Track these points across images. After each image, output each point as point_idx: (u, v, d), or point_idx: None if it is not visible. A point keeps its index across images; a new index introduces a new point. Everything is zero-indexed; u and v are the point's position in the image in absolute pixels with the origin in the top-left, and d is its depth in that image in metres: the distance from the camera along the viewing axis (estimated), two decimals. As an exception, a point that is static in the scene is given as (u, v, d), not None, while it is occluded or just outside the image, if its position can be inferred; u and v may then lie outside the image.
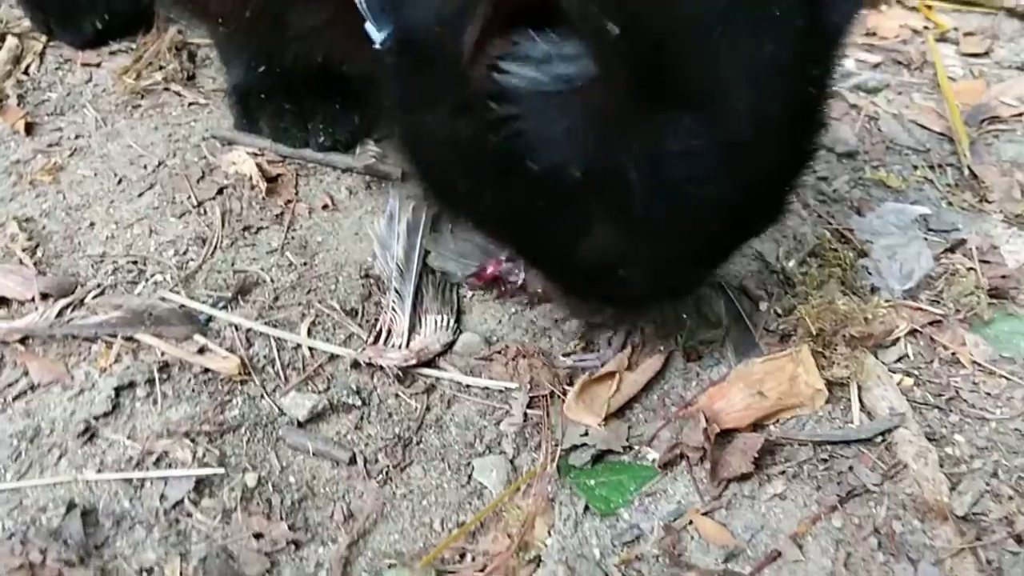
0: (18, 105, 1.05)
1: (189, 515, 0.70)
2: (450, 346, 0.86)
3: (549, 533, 0.74)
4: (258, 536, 0.70)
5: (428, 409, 0.82)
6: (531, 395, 0.82)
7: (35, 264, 0.87)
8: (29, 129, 1.02)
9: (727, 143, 0.59)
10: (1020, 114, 1.17)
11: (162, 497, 0.71)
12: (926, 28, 1.35)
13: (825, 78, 0.67)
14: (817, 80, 0.65)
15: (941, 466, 0.78)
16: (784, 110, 0.62)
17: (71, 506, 0.69)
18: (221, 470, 0.73)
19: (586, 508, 0.75)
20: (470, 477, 0.78)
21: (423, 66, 0.64)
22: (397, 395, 0.82)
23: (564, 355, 0.85)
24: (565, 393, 0.81)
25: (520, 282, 0.87)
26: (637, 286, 0.72)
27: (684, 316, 0.88)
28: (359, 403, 0.81)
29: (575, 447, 0.78)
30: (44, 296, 0.83)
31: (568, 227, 0.67)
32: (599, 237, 0.67)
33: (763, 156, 0.63)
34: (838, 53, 0.68)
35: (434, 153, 0.70)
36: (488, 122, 0.61)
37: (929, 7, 1.39)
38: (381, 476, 0.77)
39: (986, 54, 1.30)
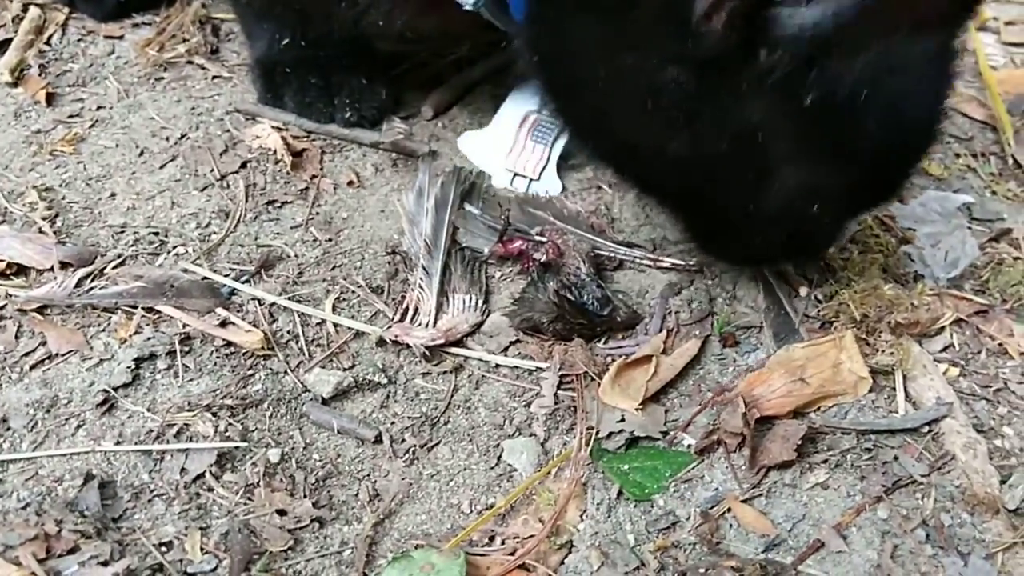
0: (40, 75, 1.03)
1: (210, 489, 0.68)
2: (478, 326, 0.83)
3: (581, 518, 0.71)
4: (281, 512, 0.67)
5: (456, 389, 0.79)
6: (563, 375, 0.79)
7: (55, 234, 0.84)
8: (50, 100, 1.00)
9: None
10: (1064, 104, 1.13)
11: (183, 470, 0.68)
12: (965, 18, 1.32)
13: None
14: None
15: (990, 458, 0.74)
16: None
17: (88, 477, 0.67)
18: (244, 444, 0.70)
19: (619, 493, 0.72)
20: (499, 459, 0.75)
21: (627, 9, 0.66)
22: (424, 374, 0.80)
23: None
24: (600, 375, 0.78)
25: (544, 259, 0.84)
26: (822, 231, 0.79)
27: (719, 300, 0.86)
28: (385, 381, 0.78)
29: (611, 433, 0.75)
30: (64, 265, 0.81)
31: (761, 170, 0.70)
32: (793, 177, 0.70)
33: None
34: None
35: (619, 98, 0.72)
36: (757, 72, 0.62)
37: (968, -3, 1.36)
38: (408, 456, 0.74)
39: (1027, 44, 1.26)
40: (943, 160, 1.06)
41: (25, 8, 1.11)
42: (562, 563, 0.68)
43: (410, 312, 0.83)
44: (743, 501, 0.72)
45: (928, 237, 0.93)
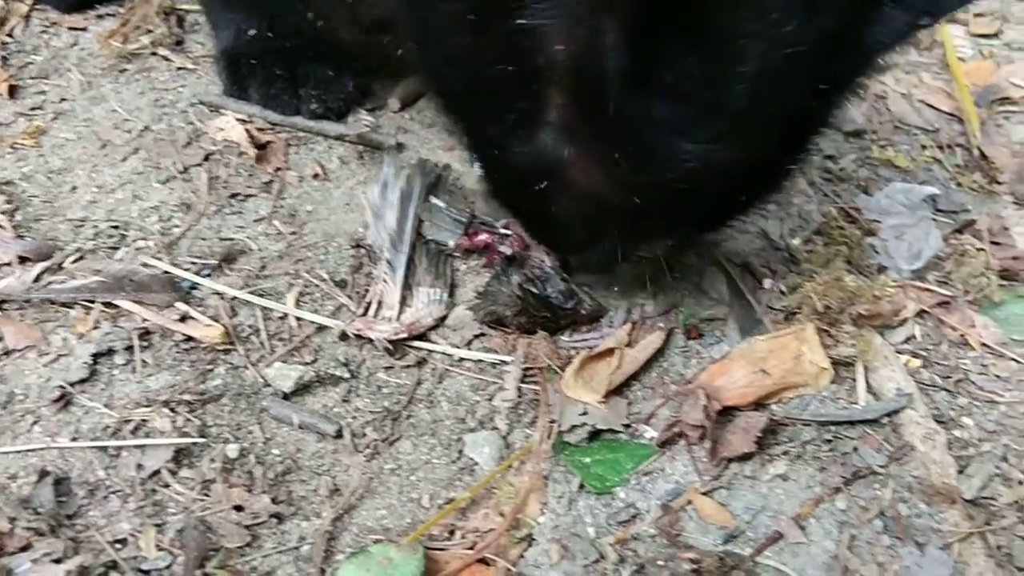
0: (1, 67, 1.01)
1: (166, 485, 0.67)
2: (442, 320, 0.83)
3: (542, 511, 0.71)
4: (238, 508, 0.67)
5: (419, 383, 0.79)
6: (526, 368, 0.79)
7: (13, 228, 0.83)
8: (12, 92, 0.99)
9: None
10: (1031, 96, 1.14)
11: (139, 467, 0.68)
12: (935, 9, 1.32)
13: (840, 86, 0.65)
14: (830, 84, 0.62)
15: (949, 449, 0.75)
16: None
17: (43, 474, 0.66)
18: (202, 440, 0.70)
19: (581, 486, 0.72)
20: (461, 453, 0.75)
21: None
22: (387, 368, 0.79)
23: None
24: (562, 369, 0.78)
25: (509, 252, 0.84)
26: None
27: (684, 293, 0.86)
28: (347, 376, 0.78)
29: (573, 427, 0.75)
30: (22, 260, 0.80)
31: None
32: None
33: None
34: (868, 67, 0.66)
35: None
36: None
37: (938, -12, 1.36)
38: (369, 451, 0.74)
39: (996, 35, 1.27)
40: (909, 151, 1.06)
41: (-12, -2, 1.09)
42: (522, 556, 0.68)
43: (373, 306, 0.82)
44: (704, 493, 0.72)
45: (892, 229, 0.94)
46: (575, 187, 0.65)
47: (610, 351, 0.79)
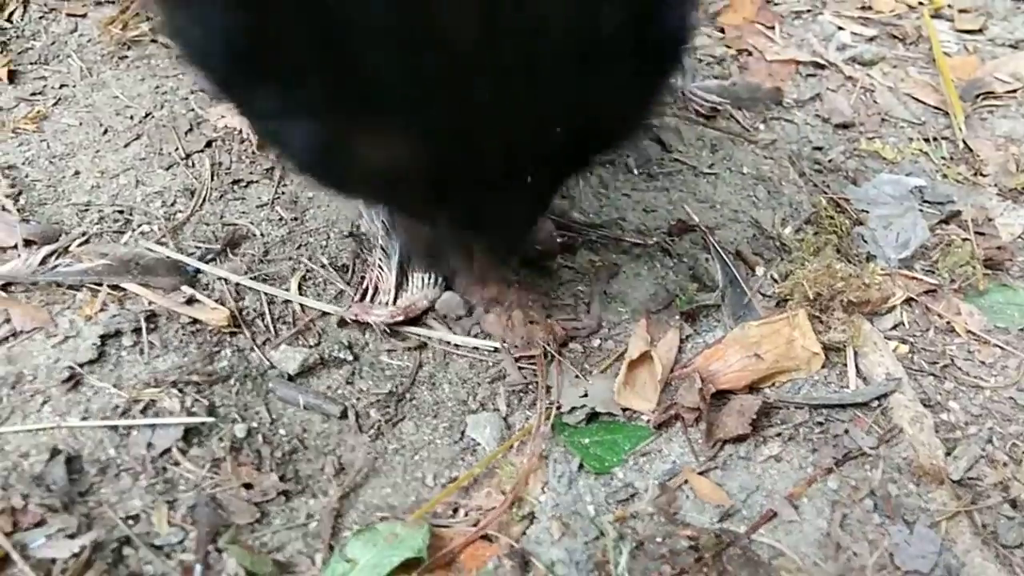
0: (1, 53, 1.02)
1: (177, 464, 0.69)
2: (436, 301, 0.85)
3: (543, 490, 0.73)
4: (248, 486, 0.68)
5: (420, 366, 0.80)
6: (525, 353, 0.80)
7: (18, 211, 0.84)
8: (12, 77, 0.99)
9: None
10: (1014, 90, 1.17)
11: (149, 445, 0.69)
12: (920, 4, 1.35)
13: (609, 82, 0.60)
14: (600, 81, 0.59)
15: (936, 432, 0.77)
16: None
17: (55, 452, 0.67)
18: (210, 420, 0.71)
19: (580, 466, 0.74)
20: (463, 434, 0.76)
21: None
22: (389, 351, 0.81)
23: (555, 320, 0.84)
24: (559, 353, 0.80)
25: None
26: None
27: (680, 279, 0.88)
28: (350, 358, 0.79)
29: (572, 408, 0.77)
30: (28, 243, 0.81)
31: None
32: None
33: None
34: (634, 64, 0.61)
35: None
36: None
37: (924, -16, 1.39)
38: (373, 431, 0.75)
39: (980, 31, 1.29)
40: (896, 143, 1.09)
41: (-16, -17, 1.10)
42: (524, 534, 0.70)
43: (370, 291, 0.84)
44: (699, 473, 0.74)
45: (880, 219, 0.96)
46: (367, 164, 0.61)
47: (646, 356, 0.80)
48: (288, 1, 0.52)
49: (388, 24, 0.51)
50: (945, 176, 1.05)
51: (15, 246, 0.81)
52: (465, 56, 0.52)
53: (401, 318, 0.82)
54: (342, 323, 0.81)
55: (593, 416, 0.78)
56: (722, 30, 1.24)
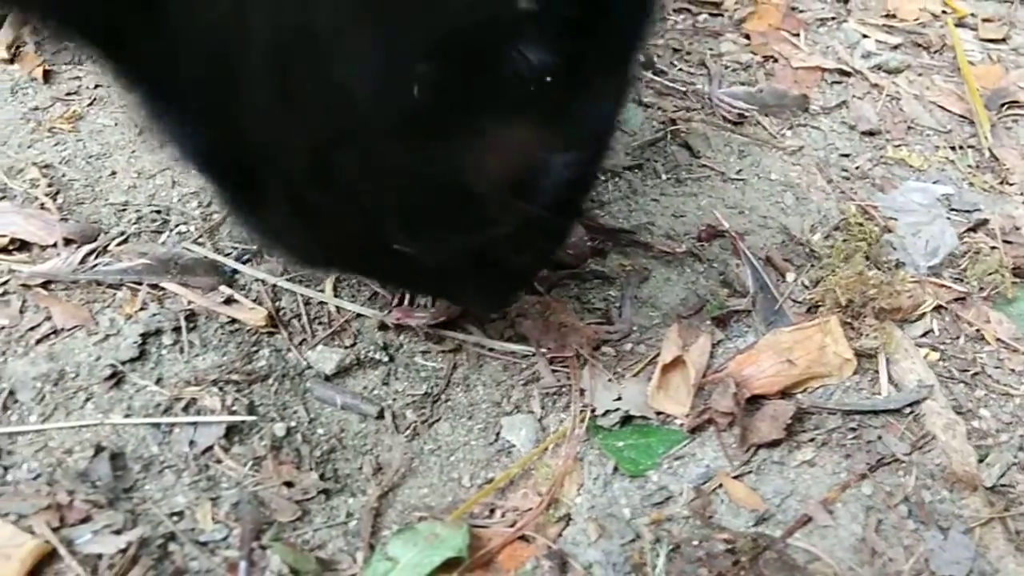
0: (35, 53, 1.03)
1: (219, 461, 0.69)
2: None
3: (578, 492, 0.73)
4: (288, 484, 0.69)
5: (455, 368, 0.81)
6: (558, 356, 0.81)
7: (57, 210, 0.85)
8: (47, 77, 1.00)
9: None
10: (1039, 100, 1.17)
11: (191, 443, 0.70)
12: (944, 13, 1.35)
13: None
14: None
15: (968, 438, 0.78)
16: None
17: (99, 449, 0.68)
18: (251, 418, 0.72)
19: (615, 469, 0.75)
20: (498, 435, 0.77)
21: None
22: (424, 353, 0.81)
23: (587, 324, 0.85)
24: (592, 356, 0.81)
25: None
26: None
27: (711, 285, 0.88)
28: (386, 359, 0.80)
29: (606, 411, 0.78)
30: (67, 242, 0.82)
31: None
32: None
33: None
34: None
35: None
36: None
37: (947, -7, 1.39)
38: (409, 431, 0.76)
39: (1003, 40, 1.30)
40: (923, 151, 1.09)
41: (19, -16, 1.10)
42: (560, 535, 0.71)
43: (408, 295, 0.84)
44: (734, 477, 0.74)
45: (909, 226, 0.96)
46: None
47: (678, 361, 0.80)
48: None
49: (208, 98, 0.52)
50: (971, 184, 1.05)
51: (55, 244, 0.81)
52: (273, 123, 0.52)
53: (443, 318, 0.82)
54: (383, 326, 0.82)
55: (627, 419, 0.78)
56: (748, 36, 1.25)
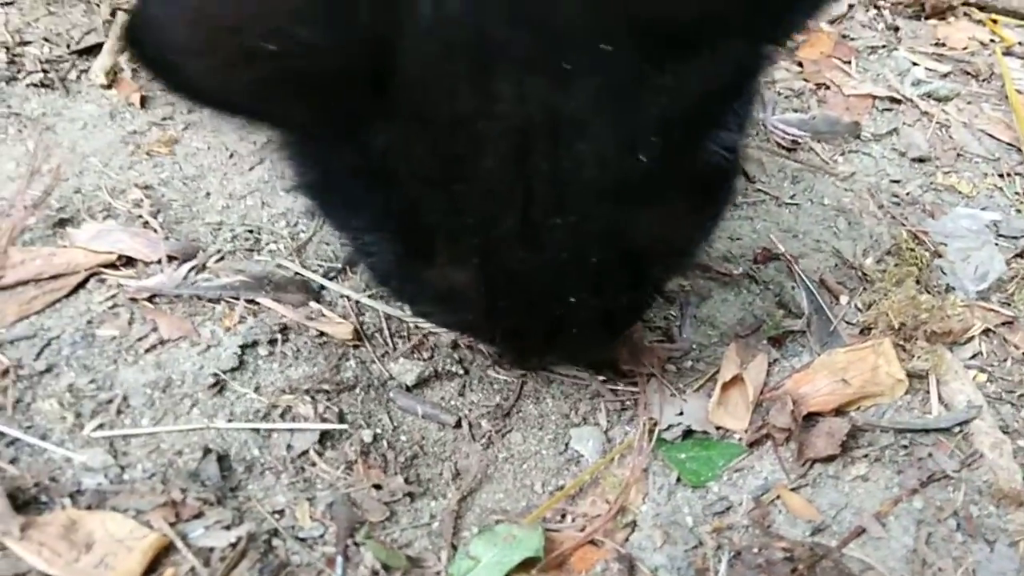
0: (132, 79, 1.10)
1: (314, 464, 0.75)
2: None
3: (644, 501, 0.78)
4: (377, 487, 0.75)
5: (525, 381, 0.87)
6: (625, 370, 0.86)
7: (161, 228, 0.92)
8: (144, 102, 1.07)
9: None
10: (1087, 129, 1.20)
11: (288, 447, 0.76)
12: (992, 41, 1.39)
13: None
14: None
15: (1015, 457, 0.82)
16: None
17: (206, 451, 0.74)
18: (342, 426, 0.78)
19: (678, 479, 0.80)
20: (567, 446, 0.82)
21: None
22: (495, 366, 0.87)
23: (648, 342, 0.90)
24: (663, 372, 0.86)
25: None
26: None
27: (768, 306, 0.93)
28: (461, 372, 0.86)
29: (669, 425, 0.83)
30: (170, 259, 0.88)
31: None
32: None
33: None
34: None
35: None
36: None
37: (995, 21, 1.43)
38: (484, 440, 0.82)
39: (1052, 69, 1.33)
40: (971, 178, 1.13)
41: (113, 12, 1.18)
42: (627, 540, 0.76)
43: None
44: (791, 490, 0.79)
45: (958, 252, 1.01)
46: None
47: (737, 378, 0.85)
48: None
49: (432, 172, 0.59)
50: (1019, 211, 1.09)
51: (159, 261, 0.88)
52: (500, 195, 0.59)
53: None
54: (455, 344, 0.87)
55: (688, 433, 0.83)
56: (800, 64, 1.30)
